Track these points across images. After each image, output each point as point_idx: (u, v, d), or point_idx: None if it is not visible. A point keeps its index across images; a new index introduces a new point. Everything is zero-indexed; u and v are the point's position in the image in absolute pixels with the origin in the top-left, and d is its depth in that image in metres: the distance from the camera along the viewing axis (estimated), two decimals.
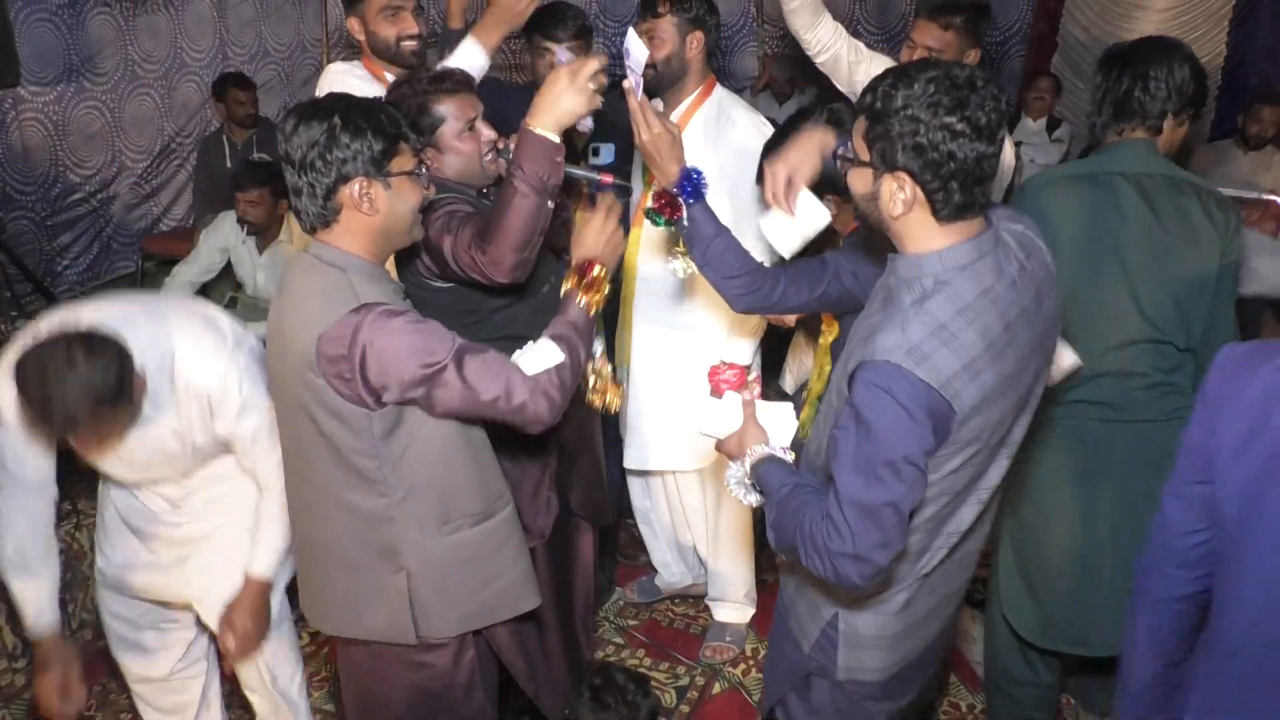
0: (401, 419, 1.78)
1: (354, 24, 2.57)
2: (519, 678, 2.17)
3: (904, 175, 1.47)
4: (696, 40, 2.64)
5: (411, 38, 2.53)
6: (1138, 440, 2.25)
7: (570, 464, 2.49)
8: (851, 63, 2.74)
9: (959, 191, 1.46)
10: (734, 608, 3.10)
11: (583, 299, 1.93)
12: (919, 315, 1.46)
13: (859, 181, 1.55)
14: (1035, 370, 1.59)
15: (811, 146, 1.93)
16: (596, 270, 1.94)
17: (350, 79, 2.49)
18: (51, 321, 1.91)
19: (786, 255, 2.00)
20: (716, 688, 2.92)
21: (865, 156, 1.52)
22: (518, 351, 1.83)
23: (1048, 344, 1.62)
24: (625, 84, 1.99)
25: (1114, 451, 2.27)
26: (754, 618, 3.12)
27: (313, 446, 1.82)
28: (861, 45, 2.79)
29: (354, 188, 1.73)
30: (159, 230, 5.89)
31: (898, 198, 1.49)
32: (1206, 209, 2.20)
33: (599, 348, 2.08)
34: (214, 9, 6.04)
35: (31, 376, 1.77)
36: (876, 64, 2.70)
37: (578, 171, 2.18)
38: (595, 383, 2.11)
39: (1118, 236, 2.20)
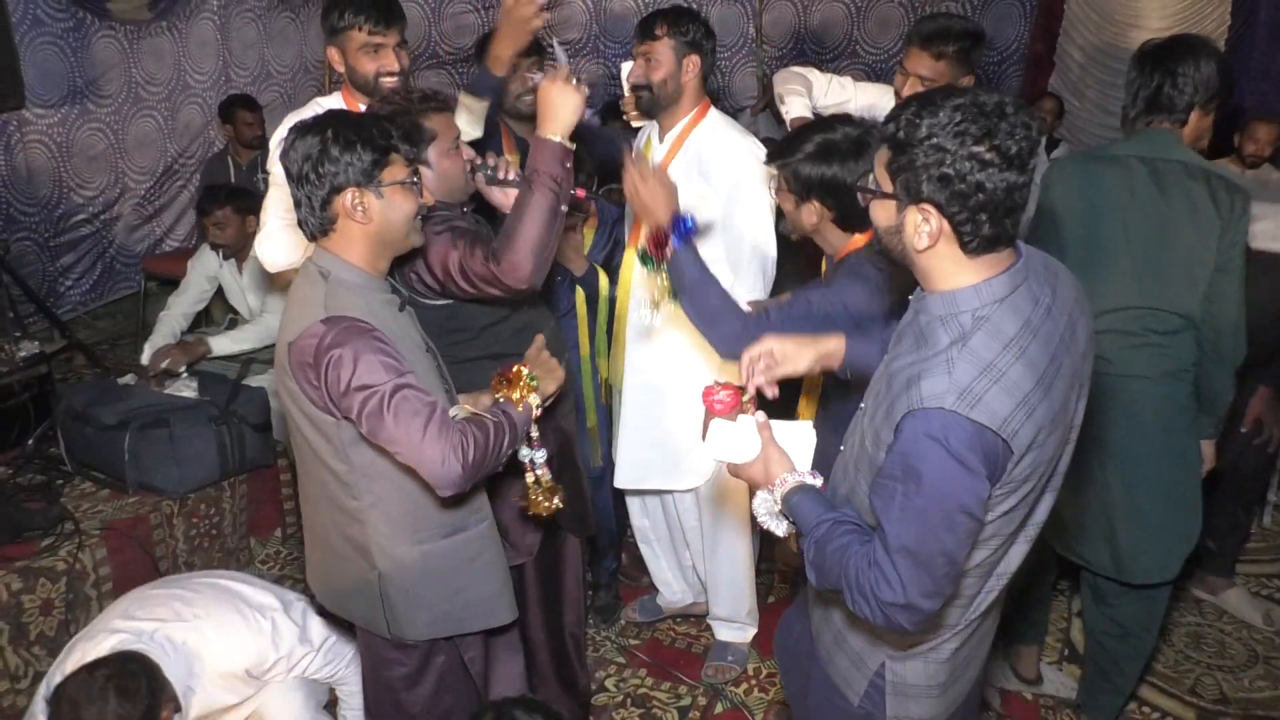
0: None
1: (334, 55, 2.54)
2: (480, 689, 2.19)
3: (929, 207, 1.40)
4: (692, 64, 2.66)
5: (391, 74, 2.50)
6: (1133, 393, 2.45)
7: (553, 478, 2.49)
8: (850, 97, 2.94)
9: (988, 224, 1.39)
10: (735, 627, 3.09)
11: (502, 396, 1.97)
12: (964, 355, 1.38)
13: (882, 214, 1.48)
14: (1076, 400, 1.53)
15: (803, 343, 1.89)
16: (515, 368, 1.98)
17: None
18: (89, 643, 2.17)
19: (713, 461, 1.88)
20: (719, 708, 2.91)
21: (888, 188, 1.45)
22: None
23: (1084, 371, 1.55)
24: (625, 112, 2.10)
25: (1111, 402, 2.45)
26: (755, 637, 3.11)
27: (304, 442, 1.91)
28: (847, 80, 2.99)
29: (347, 198, 1.81)
30: (161, 251, 5.92)
31: (922, 230, 1.42)
32: (1213, 193, 2.38)
33: (541, 456, 2.10)
34: (217, 32, 6.09)
35: (65, 708, 1.97)
36: (867, 93, 2.95)
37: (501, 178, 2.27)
38: (536, 492, 2.13)
39: (1126, 212, 2.41)
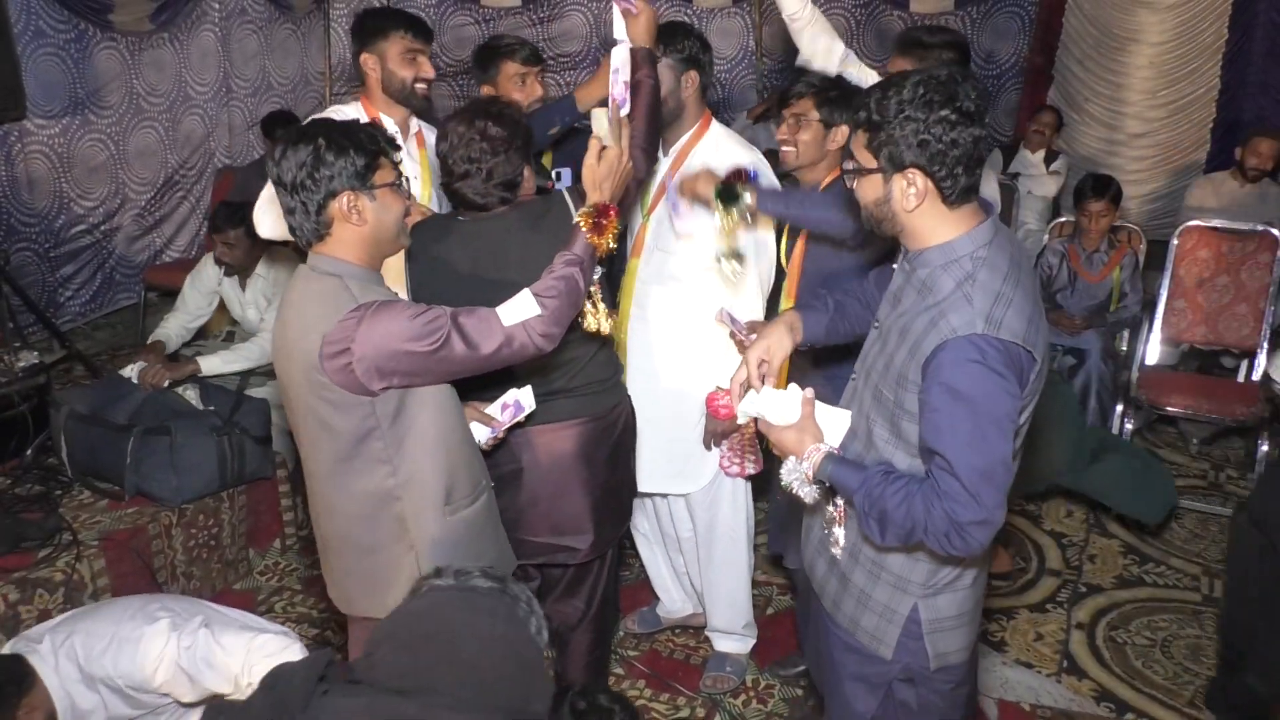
0: (404, 402, 1.90)
1: (369, 60, 2.59)
2: None
3: (914, 171, 1.61)
4: (691, 80, 2.69)
5: (426, 81, 2.63)
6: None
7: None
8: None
9: (964, 175, 1.61)
10: (734, 639, 3.08)
11: (592, 239, 2.07)
12: (976, 289, 1.60)
13: (869, 189, 1.68)
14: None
15: (781, 331, 2.02)
16: (611, 216, 2.09)
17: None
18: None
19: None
20: (717, 719, 2.91)
21: (872, 164, 1.65)
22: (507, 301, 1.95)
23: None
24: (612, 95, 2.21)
25: None
26: (754, 649, 3.11)
27: (318, 441, 1.94)
28: (872, 74, 2.86)
29: (343, 201, 1.85)
30: (162, 262, 5.91)
31: (909, 193, 1.63)
32: None
33: (597, 275, 2.18)
34: (218, 43, 6.10)
35: None
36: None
37: None
38: (589, 312, 2.21)
39: None
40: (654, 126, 2.40)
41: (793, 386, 1.86)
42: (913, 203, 1.63)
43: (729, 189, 2.37)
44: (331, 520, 2.03)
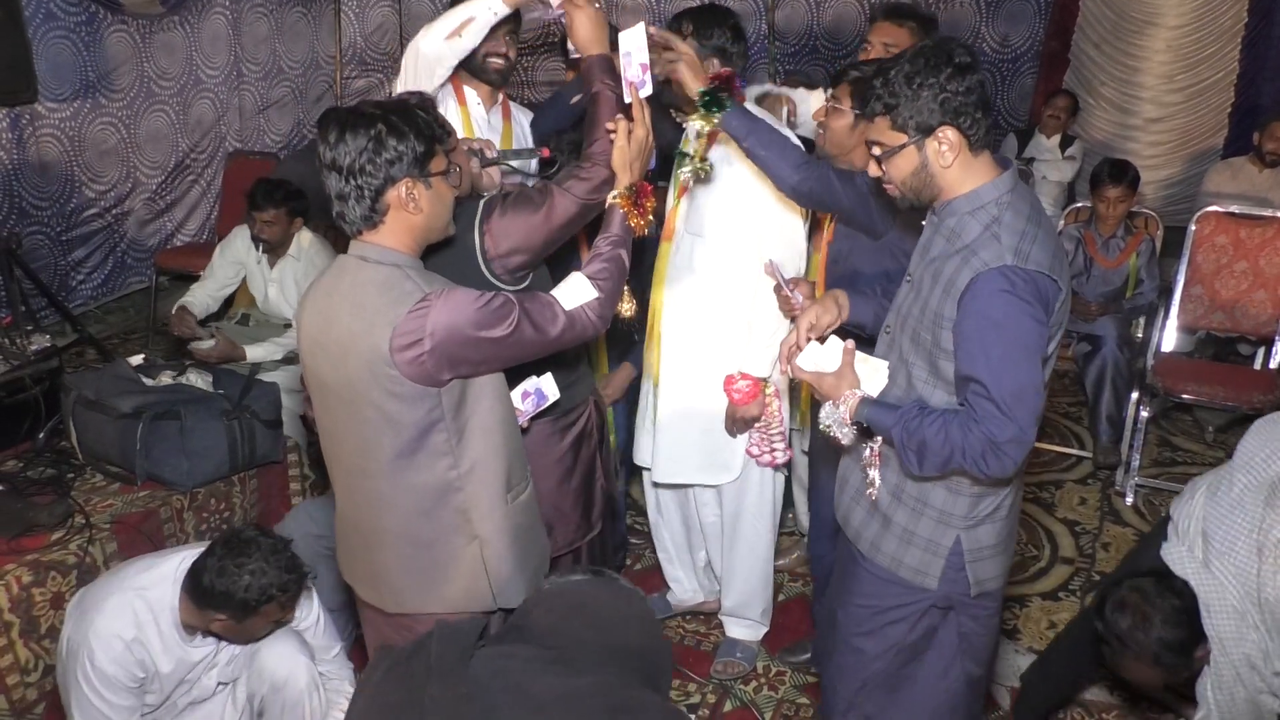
0: (465, 393, 1.87)
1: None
2: None
3: (944, 129, 1.77)
4: (712, 68, 2.64)
5: (500, 56, 2.68)
6: None
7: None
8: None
9: (984, 117, 1.77)
10: (747, 625, 3.07)
11: (632, 219, 2.08)
12: (1004, 229, 1.75)
13: (905, 163, 1.82)
14: None
15: (830, 303, 2.14)
16: (649, 193, 2.11)
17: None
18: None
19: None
20: (728, 705, 2.90)
21: (902, 139, 1.80)
22: (557, 287, 1.98)
23: None
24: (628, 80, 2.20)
25: None
26: (765, 636, 3.10)
27: (377, 437, 1.88)
28: (801, 92, 3.20)
29: (401, 189, 1.81)
30: (173, 245, 5.93)
31: (943, 150, 1.78)
32: None
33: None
34: (229, 27, 6.09)
35: None
36: (814, 99, 3.15)
37: (512, 159, 2.41)
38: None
39: None
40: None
41: (833, 338, 2.00)
42: (949, 158, 1.78)
43: (714, 94, 2.32)
44: (385, 516, 1.97)
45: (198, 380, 3.34)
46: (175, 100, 5.84)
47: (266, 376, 3.49)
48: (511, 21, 2.60)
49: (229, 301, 4.18)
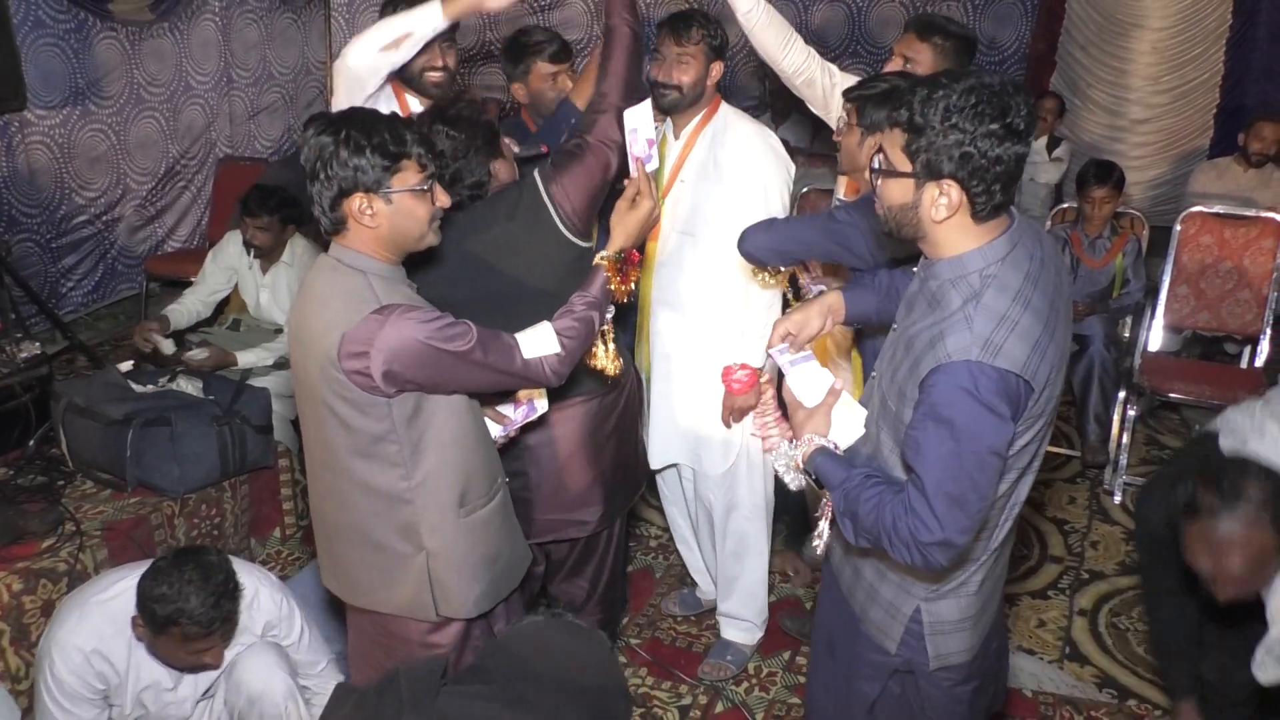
0: (420, 405, 1.88)
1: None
2: None
3: (949, 182, 1.52)
4: (718, 69, 2.72)
5: (437, 70, 2.63)
6: None
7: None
8: (826, 86, 2.75)
9: (1000, 193, 1.53)
10: (743, 627, 3.06)
11: (611, 282, 2.08)
12: (979, 311, 1.53)
13: (897, 192, 1.59)
14: (1067, 337, 1.70)
15: (814, 312, 2.04)
16: (635, 262, 2.13)
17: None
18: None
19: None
20: (719, 707, 2.91)
21: (906, 168, 1.56)
22: (523, 332, 1.98)
23: (1069, 313, 1.70)
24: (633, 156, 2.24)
25: None
26: (759, 639, 3.10)
27: (334, 435, 1.90)
28: (834, 68, 2.79)
29: (354, 202, 1.80)
30: (163, 252, 5.91)
31: (940, 204, 1.54)
32: None
33: (609, 314, 2.20)
34: (219, 33, 6.09)
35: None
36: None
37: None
38: (598, 351, 2.23)
39: None
40: (633, 79, 2.34)
41: (826, 372, 1.90)
42: (943, 214, 1.55)
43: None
44: (342, 511, 2.00)
45: (188, 386, 3.34)
46: (165, 106, 5.83)
47: (257, 382, 3.49)
48: (448, 32, 2.54)
49: (221, 307, 4.19)
